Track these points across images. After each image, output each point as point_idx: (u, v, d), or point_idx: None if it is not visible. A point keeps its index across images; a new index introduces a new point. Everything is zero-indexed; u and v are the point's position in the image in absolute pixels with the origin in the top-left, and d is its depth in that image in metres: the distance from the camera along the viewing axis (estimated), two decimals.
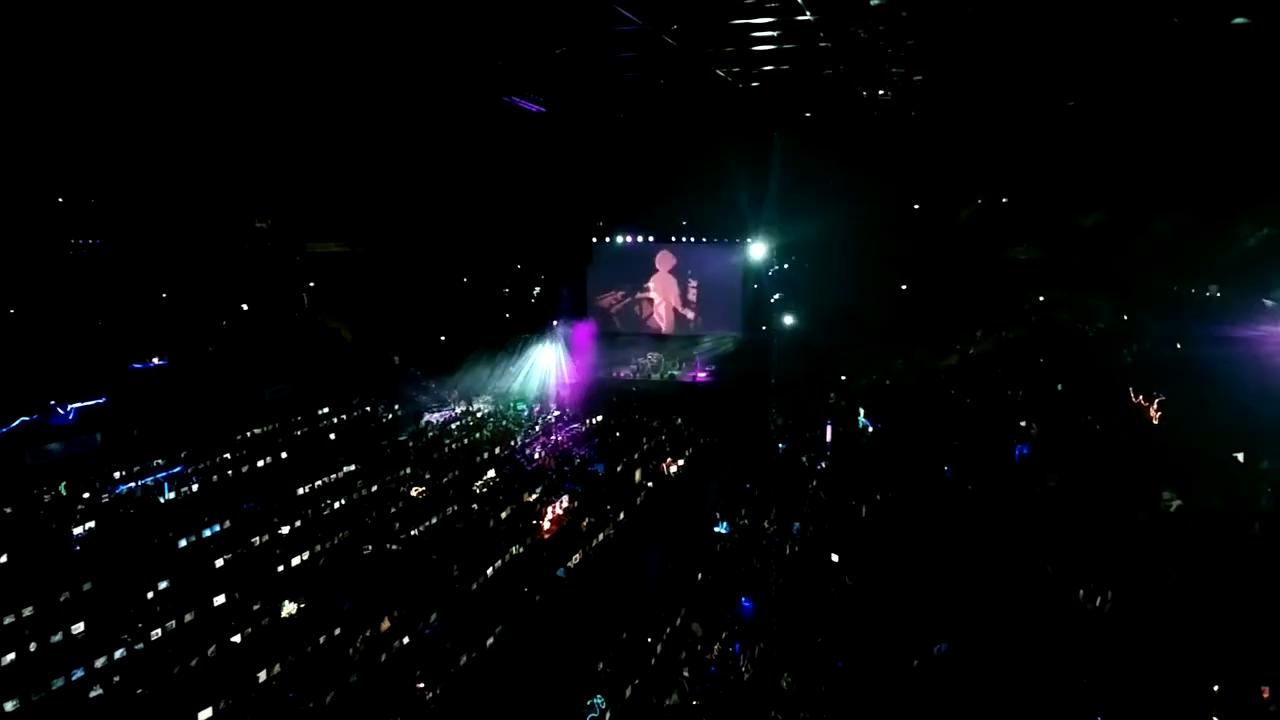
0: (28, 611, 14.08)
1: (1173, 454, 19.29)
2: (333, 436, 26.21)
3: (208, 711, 11.69)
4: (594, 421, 28.11)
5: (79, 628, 13.74)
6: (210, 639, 13.47)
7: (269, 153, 25.65)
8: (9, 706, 11.75)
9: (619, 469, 22.42)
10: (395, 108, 21.48)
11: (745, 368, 31.75)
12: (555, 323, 34.06)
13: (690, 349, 34.01)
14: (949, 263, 30.88)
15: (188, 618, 14.25)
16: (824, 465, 22.17)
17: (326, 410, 28.22)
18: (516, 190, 31.09)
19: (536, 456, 24.08)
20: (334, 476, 21.75)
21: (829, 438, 24.13)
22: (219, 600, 14.82)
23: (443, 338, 34.33)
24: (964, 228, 30.98)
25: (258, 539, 17.59)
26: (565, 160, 29.24)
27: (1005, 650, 11.96)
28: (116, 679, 12.55)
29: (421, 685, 12.31)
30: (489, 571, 16.23)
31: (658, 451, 24.32)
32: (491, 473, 22.17)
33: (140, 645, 13.43)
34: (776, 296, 33.00)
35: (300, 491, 20.55)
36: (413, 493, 20.61)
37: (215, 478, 21.86)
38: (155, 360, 27.86)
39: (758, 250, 33.24)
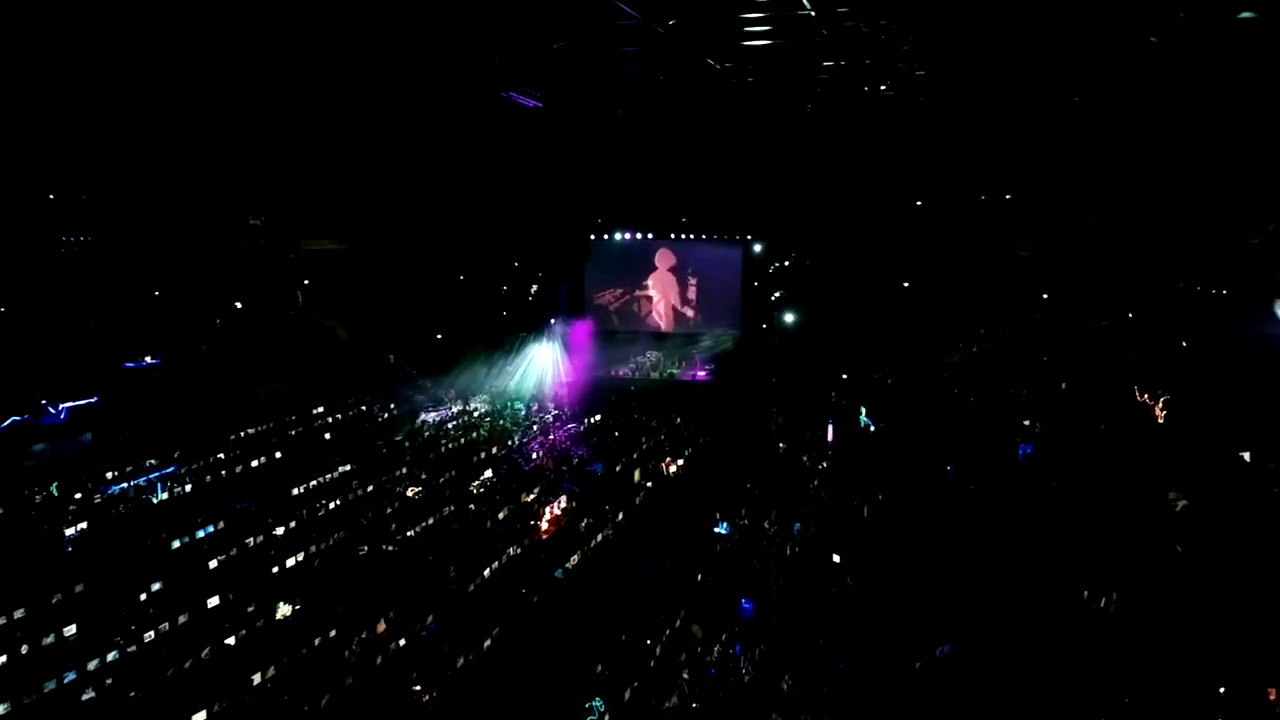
0: (19, 613, 14.07)
1: (1178, 454, 19.32)
2: (328, 436, 26.20)
3: (201, 715, 11.68)
4: (592, 421, 28.12)
5: (71, 630, 13.74)
6: (204, 641, 13.47)
7: (263, 148, 25.62)
8: (0, 710, 11.75)
9: (618, 469, 22.43)
10: (391, 103, 21.46)
11: (745, 366, 31.78)
12: (553, 321, 34.06)
13: (689, 347, 34.02)
14: (952, 259, 30.90)
15: (181, 619, 14.25)
16: (825, 465, 22.19)
17: (321, 410, 28.21)
18: (514, 187, 31.09)
19: (534, 456, 24.09)
20: (329, 477, 21.74)
21: (830, 437, 24.15)
22: (213, 602, 14.83)
23: (439, 336, 34.32)
24: (967, 224, 30.99)
25: (252, 540, 17.59)
26: (563, 156, 29.23)
27: (1008, 652, 11.98)
28: (109, 681, 12.54)
29: (418, 688, 12.31)
30: (486, 573, 16.24)
31: (657, 451, 24.33)
32: (489, 473, 22.17)
33: (133, 647, 13.43)
34: (777, 294, 33.02)
35: (295, 492, 20.54)
36: (409, 493, 20.61)
37: (209, 478, 21.86)
38: (148, 359, 27.83)
39: (758, 247, 33.27)
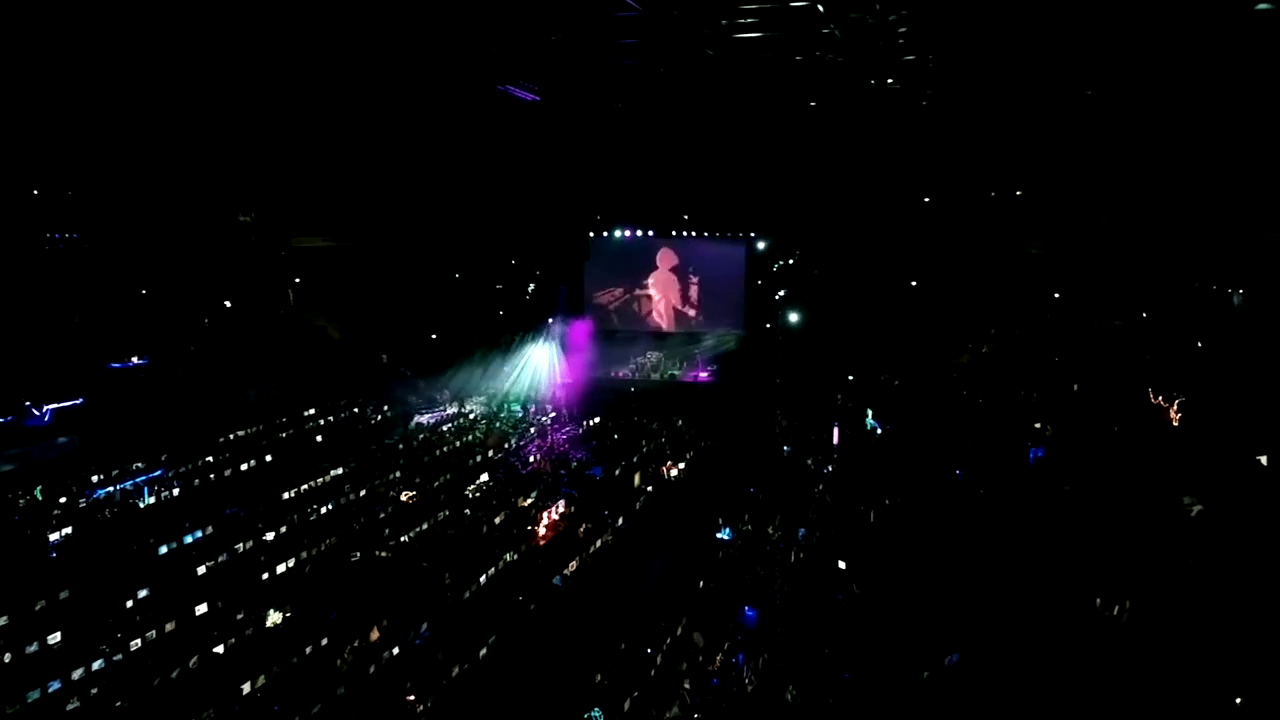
0: (2, 621, 14.05)
1: (1193, 457, 19.32)
2: (319, 439, 26.19)
3: None
4: (591, 423, 28.11)
5: (55, 637, 13.71)
6: (192, 649, 13.45)
7: (253, 143, 25.63)
8: None
9: (617, 472, 22.42)
10: (385, 97, 21.47)
11: (748, 367, 31.78)
12: (551, 320, 34.06)
13: (691, 348, 34.04)
14: (960, 258, 30.90)
15: (169, 627, 14.23)
16: (830, 469, 22.19)
17: (313, 411, 28.20)
18: (511, 183, 31.09)
19: (531, 460, 24.08)
20: (321, 480, 21.72)
21: (835, 440, 24.14)
22: (201, 609, 14.80)
23: (434, 336, 34.32)
24: (976, 221, 31.00)
25: (241, 545, 17.56)
26: (561, 152, 29.23)
27: (1019, 661, 11.97)
28: (94, 691, 12.53)
29: (412, 698, 12.30)
30: (482, 579, 16.23)
31: (657, 454, 24.33)
32: (485, 477, 22.16)
33: (119, 656, 13.41)
34: (781, 293, 33.01)
35: (286, 496, 20.53)
36: (403, 497, 20.60)
37: (197, 482, 21.84)
38: (135, 359, 27.84)
39: (761, 245, 33.27)
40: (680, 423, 27.57)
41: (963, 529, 16.89)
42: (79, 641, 13.68)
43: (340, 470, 22.46)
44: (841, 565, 15.60)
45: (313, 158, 27.50)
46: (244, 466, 23.07)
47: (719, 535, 17.84)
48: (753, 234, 33.50)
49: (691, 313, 34.81)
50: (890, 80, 19.72)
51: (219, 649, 13.67)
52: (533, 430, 27.31)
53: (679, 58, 17.85)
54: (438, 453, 24.59)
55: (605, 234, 34.74)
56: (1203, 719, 10.76)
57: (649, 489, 21.69)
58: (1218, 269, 26.66)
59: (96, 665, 13.10)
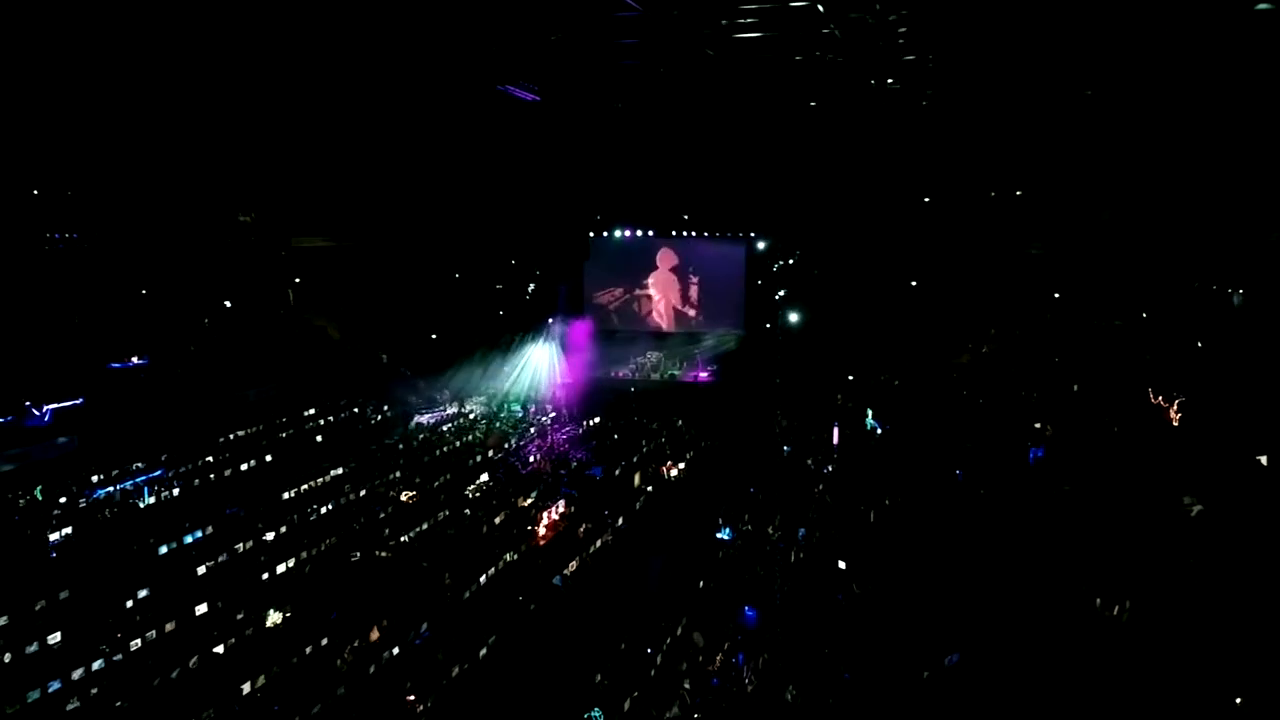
0: (2, 621, 14.07)
1: (1193, 457, 19.33)
2: (319, 439, 26.20)
3: None
4: (591, 423, 28.12)
5: (55, 638, 13.72)
6: (192, 649, 13.46)
7: (253, 143, 25.63)
8: None
9: (617, 473, 22.43)
10: (385, 96, 21.47)
11: (748, 367, 31.79)
12: (551, 320, 34.07)
13: (691, 348, 34.05)
14: (960, 258, 30.90)
15: (169, 627, 14.24)
16: (830, 469, 22.20)
17: (313, 411, 28.21)
18: (511, 183, 31.09)
19: (531, 460, 24.09)
20: (321, 480, 21.73)
21: (835, 440, 24.15)
22: (201, 609, 14.81)
23: (434, 336, 34.32)
24: (976, 221, 31.00)
25: (241, 545, 17.57)
26: (561, 152, 29.23)
27: (1019, 661, 11.98)
28: (94, 691, 12.54)
29: (412, 698, 12.31)
30: (482, 579, 16.24)
31: (657, 454, 24.34)
32: (485, 477, 22.17)
33: (119, 656, 13.42)
34: (781, 293, 33.01)
35: (286, 496, 20.54)
36: (403, 497, 20.61)
37: (197, 482, 21.85)
38: (135, 359, 27.85)
39: (761, 245, 33.26)
40: (680, 423, 27.57)
41: (963, 529, 16.90)
42: (79, 641, 13.69)
43: (340, 470, 22.46)
44: (841, 565, 15.60)
45: (313, 158, 27.50)
46: (244, 466, 23.08)
47: (719, 535, 17.85)
48: (753, 234, 33.50)
49: (691, 313, 34.82)
50: (890, 80, 19.72)
51: (219, 649, 13.68)
52: (533, 430, 27.31)
53: (679, 58, 17.86)
54: (438, 453, 24.59)
55: (605, 234, 34.74)
56: (1203, 716, 10.77)
57: (649, 489, 21.69)
58: (1217, 269, 26.67)
59: (96, 665, 13.11)
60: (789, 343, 31.38)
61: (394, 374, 32.54)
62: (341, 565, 16.91)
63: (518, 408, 29.84)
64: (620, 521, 19.46)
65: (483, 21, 14.96)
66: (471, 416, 29.26)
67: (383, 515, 19.41)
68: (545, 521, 18.96)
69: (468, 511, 19.67)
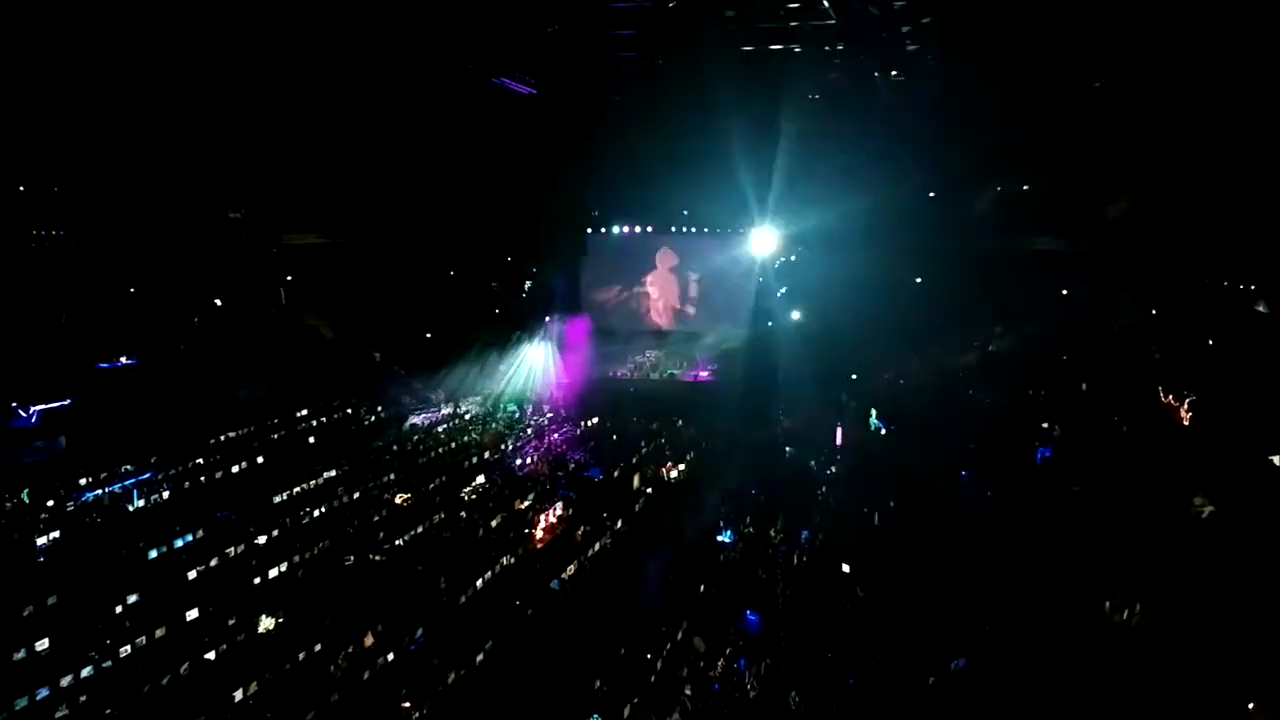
0: None
1: (1204, 457, 19.33)
2: (312, 440, 26.20)
3: None
4: (589, 424, 28.12)
5: (43, 644, 13.73)
6: (183, 656, 13.47)
7: (243, 138, 25.60)
8: None
9: (616, 474, 22.44)
10: (378, 90, 21.46)
11: (750, 366, 31.74)
12: (548, 319, 34.06)
13: (691, 347, 34.03)
14: (966, 254, 30.88)
15: (159, 633, 14.25)
16: (834, 470, 22.20)
17: (305, 412, 28.20)
18: (506, 178, 31.05)
19: (528, 461, 24.10)
20: (313, 483, 21.74)
21: (839, 440, 24.15)
22: (192, 615, 14.83)
23: (428, 335, 34.31)
24: (982, 217, 30.97)
25: (233, 549, 17.59)
26: (558, 146, 29.20)
27: (1026, 666, 11.99)
28: (84, 699, 12.55)
29: (407, 705, 12.33)
30: (478, 584, 16.25)
31: (657, 455, 24.35)
32: (481, 479, 22.18)
33: (109, 663, 13.43)
34: (783, 290, 33.00)
35: (278, 499, 20.54)
36: (397, 500, 20.62)
37: (187, 484, 21.84)
38: (123, 359, 27.81)
39: (763, 241, 33.22)
40: (680, 423, 27.58)
41: (969, 531, 16.90)
42: (67, 648, 13.70)
43: (333, 472, 22.47)
44: (845, 569, 15.62)
45: (304, 153, 27.48)
46: (235, 469, 23.06)
47: (720, 538, 17.86)
48: (753, 230, 33.45)
49: (691, 311, 34.80)
50: (894, 72, 19.74)
51: (210, 655, 13.70)
52: (530, 431, 27.32)
53: (677, 49, 17.87)
54: (432, 454, 24.59)
55: (603, 230, 34.71)
56: None
57: (648, 491, 21.70)
58: (1229, 265, 26.66)
59: (86, 672, 13.13)
60: (791, 341, 31.36)
61: (388, 374, 32.53)
62: (335, 569, 16.92)
63: (514, 408, 29.84)
64: (619, 524, 19.47)
65: (477, 13, 14.97)
66: (467, 417, 29.25)
67: (377, 518, 19.41)
68: (543, 524, 18.97)
69: (463, 514, 19.67)
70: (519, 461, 24.08)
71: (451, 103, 23.55)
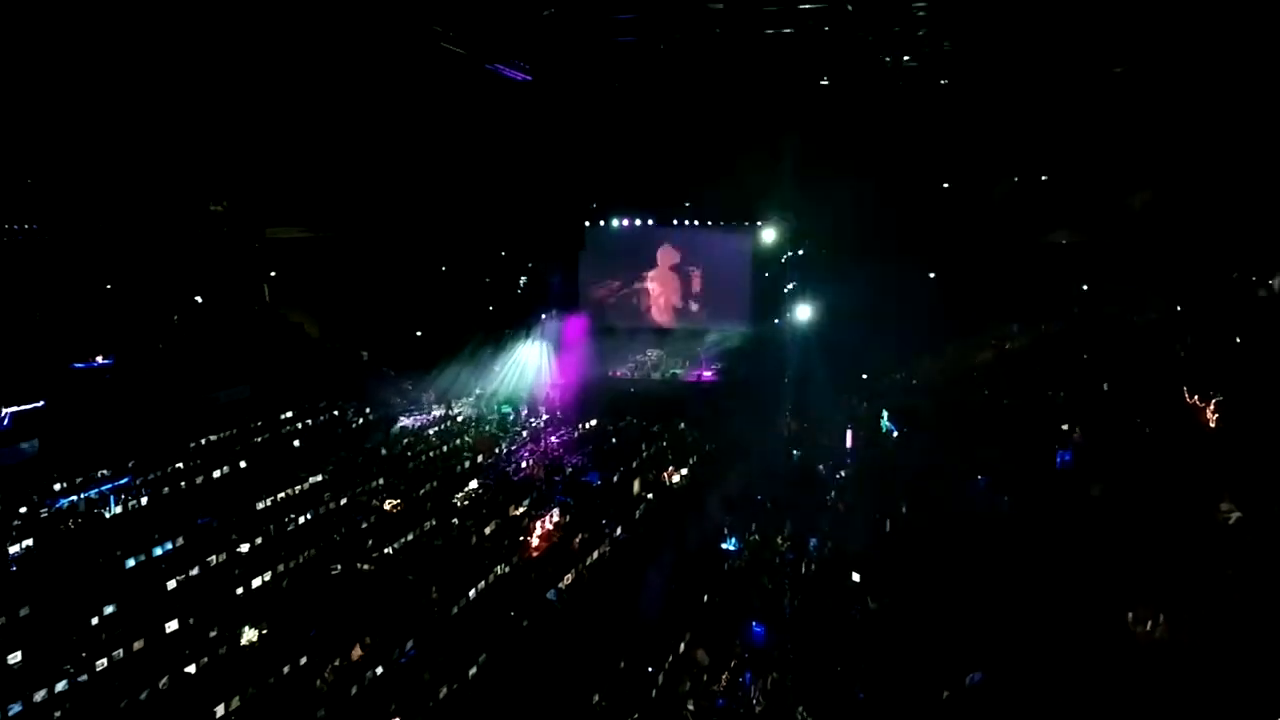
0: None
1: (1232, 461, 19.30)
2: (297, 444, 26.21)
3: None
4: (587, 426, 28.13)
5: (16, 657, 13.72)
6: (162, 669, 13.47)
7: (225, 127, 25.61)
8: None
9: (615, 479, 22.44)
10: (366, 76, 21.46)
11: (755, 366, 31.79)
12: (544, 316, 34.07)
13: (694, 345, 34.05)
14: (982, 248, 30.88)
15: (137, 645, 14.25)
16: (843, 474, 22.19)
17: (290, 414, 28.22)
18: (501, 169, 31.08)
19: (524, 465, 24.10)
20: (298, 488, 21.75)
21: (849, 443, 24.14)
22: (171, 626, 14.82)
23: (418, 333, 34.33)
24: (998, 209, 30.96)
25: (214, 558, 17.58)
26: (555, 135, 29.22)
27: (1046, 681, 11.98)
28: (58, 715, 12.54)
29: None
30: (471, 594, 16.24)
31: (658, 459, 24.35)
32: (474, 484, 22.18)
33: (84, 677, 13.42)
34: (790, 286, 33.01)
35: (261, 505, 20.55)
36: (386, 506, 20.61)
37: (166, 490, 21.86)
38: (99, 359, 27.82)
39: (769, 235, 33.24)
40: (682, 425, 27.59)
41: (985, 539, 16.89)
42: (41, 661, 13.69)
43: (319, 477, 22.48)
44: (855, 578, 15.60)
45: (288, 142, 27.48)
46: (216, 473, 23.07)
47: (724, 546, 17.85)
48: (759, 222, 33.47)
49: (694, 307, 34.81)
50: (906, 57, 19.73)
51: (191, 669, 13.68)
52: (525, 434, 27.33)
53: (679, 33, 17.85)
54: (423, 458, 24.60)
55: (601, 223, 34.72)
56: None
57: (649, 496, 21.71)
58: (1257, 258, 26.64)
59: (60, 687, 13.11)
60: (799, 339, 31.37)
61: (376, 374, 32.55)
62: (321, 579, 16.91)
63: (508, 410, 29.84)
64: (618, 531, 19.47)
65: None
66: (459, 419, 29.26)
67: (365, 525, 19.40)
68: (538, 531, 18.97)
69: (455, 521, 19.67)
70: (513, 466, 24.08)
71: (443, 90, 23.55)
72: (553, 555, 18.10)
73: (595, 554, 18.26)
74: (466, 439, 26.68)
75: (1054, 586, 14.58)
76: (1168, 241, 27.72)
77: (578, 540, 18.63)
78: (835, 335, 30.54)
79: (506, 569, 17.41)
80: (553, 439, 26.72)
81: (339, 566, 17.26)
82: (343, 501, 20.93)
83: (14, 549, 17.79)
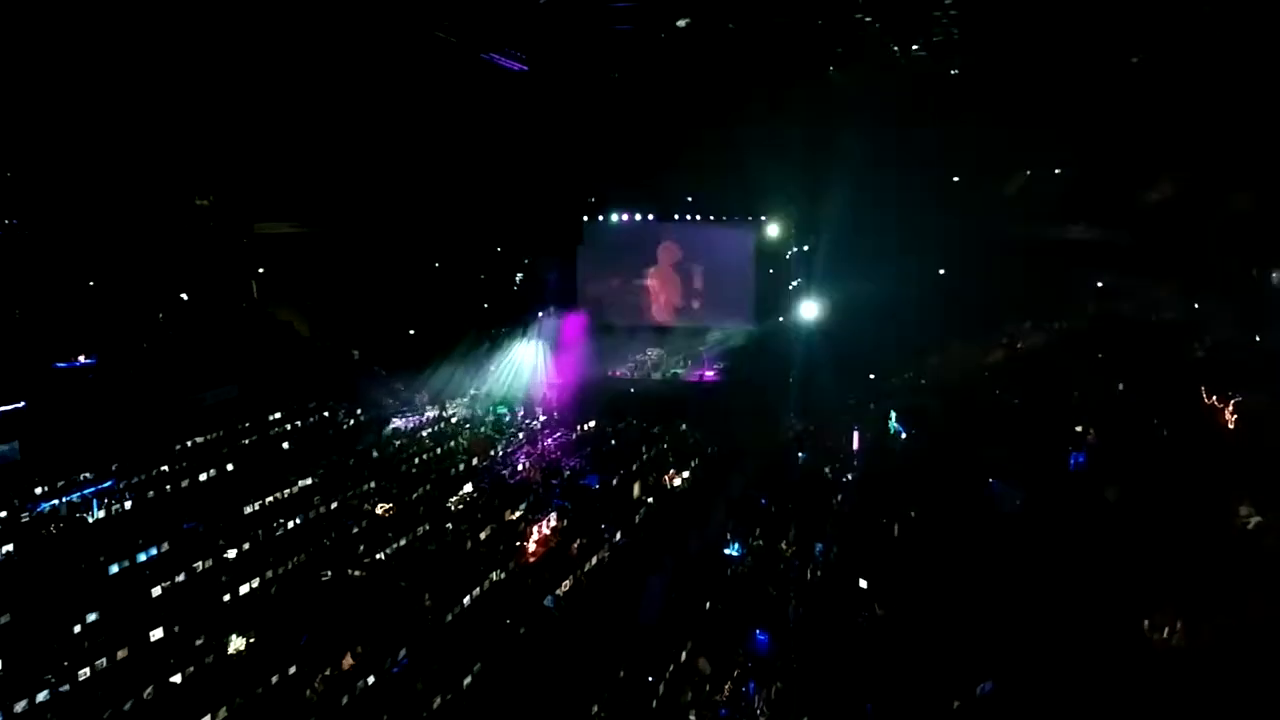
0: None
1: (1252, 464, 19.31)
2: (286, 446, 26.22)
3: None
4: (586, 428, 28.13)
5: None
6: (147, 679, 13.47)
7: (211, 119, 25.59)
8: None
9: (615, 482, 22.45)
10: (357, 66, 21.44)
11: (759, 365, 31.78)
12: (541, 314, 34.07)
13: (696, 344, 34.06)
14: (994, 244, 30.87)
15: (121, 654, 14.25)
16: (850, 477, 22.19)
17: (278, 415, 28.22)
18: (496, 161, 31.05)
19: (520, 468, 24.11)
20: (287, 492, 21.75)
21: (856, 446, 24.15)
22: (156, 634, 14.83)
23: (411, 332, 34.32)
24: (1011, 204, 30.95)
25: (200, 564, 17.59)
26: (552, 127, 29.20)
27: (1058, 690, 11.99)
28: None
29: None
30: (466, 601, 16.25)
31: (659, 462, 24.36)
32: (468, 487, 22.19)
33: (66, 687, 13.42)
34: (795, 283, 33.00)
35: (249, 509, 20.55)
36: (378, 510, 20.62)
37: (151, 494, 21.86)
38: (82, 359, 27.81)
39: (773, 230, 33.23)
40: (684, 427, 27.60)
41: (996, 543, 16.90)
42: (22, 670, 13.69)
43: (309, 480, 22.48)
44: (862, 584, 15.61)
45: (277, 134, 27.46)
46: (203, 476, 23.08)
47: (727, 551, 17.86)
48: (763, 217, 33.46)
49: (696, 305, 34.79)
50: (916, 46, 19.72)
51: (176, 678, 13.69)
52: (521, 436, 27.33)
53: (679, 20, 17.84)
54: (416, 461, 24.61)
55: (600, 217, 34.70)
56: None
57: (650, 500, 21.71)
58: (1278, 255, 26.65)
59: (41, 697, 13.11)
60: (804, 338, 31.36)
61: (368, 374, 32.54)
62: (311, 585, 16.92)
63: (504, 411, 29.84)
64: (618, 536, 19.48)
65: None
66: (453, 421, 29.26)
67: (356, 530, 19.41)
68: (535, 536, 18.98)
69: (450, 526, 19.68)
70: (509, 469, 24.09)
71: (437, 80, 23.54)
72: (550, 561, 18.11)
73: (594, 560, 18.28)
74: (461, 441, 26.68)
75: (1067, 593, 14.58)
76: (1186, 237, 27.69)
77: (576, 546, 18.64)
78: (841, 333, 30.55)
79: (502, 575, 17.42)
80: (550, 441, 26.73)
81: (329, 573, 17.27)
82: (333, 505, 20.93)
83: None
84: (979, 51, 20.60)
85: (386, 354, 33.37)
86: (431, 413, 29.82)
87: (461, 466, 24.01)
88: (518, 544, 18.67)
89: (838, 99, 26.28)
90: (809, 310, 31.68)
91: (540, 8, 16.48)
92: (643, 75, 23.79)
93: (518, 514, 20.23)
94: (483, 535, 19.12)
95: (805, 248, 33.69)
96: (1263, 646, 12.57)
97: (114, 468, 22.67)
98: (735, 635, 14.23)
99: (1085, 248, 30.77)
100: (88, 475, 22.18)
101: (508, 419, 29.28)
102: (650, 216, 34.54)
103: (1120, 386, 26.33)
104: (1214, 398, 23.11)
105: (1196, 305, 28.75)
